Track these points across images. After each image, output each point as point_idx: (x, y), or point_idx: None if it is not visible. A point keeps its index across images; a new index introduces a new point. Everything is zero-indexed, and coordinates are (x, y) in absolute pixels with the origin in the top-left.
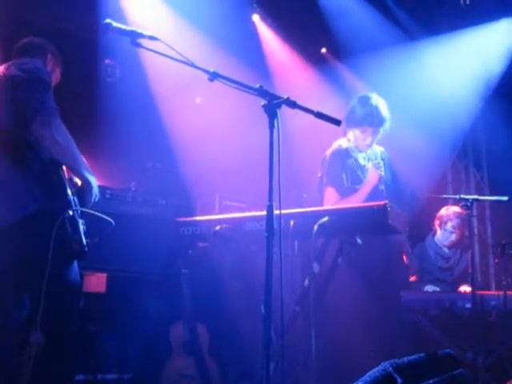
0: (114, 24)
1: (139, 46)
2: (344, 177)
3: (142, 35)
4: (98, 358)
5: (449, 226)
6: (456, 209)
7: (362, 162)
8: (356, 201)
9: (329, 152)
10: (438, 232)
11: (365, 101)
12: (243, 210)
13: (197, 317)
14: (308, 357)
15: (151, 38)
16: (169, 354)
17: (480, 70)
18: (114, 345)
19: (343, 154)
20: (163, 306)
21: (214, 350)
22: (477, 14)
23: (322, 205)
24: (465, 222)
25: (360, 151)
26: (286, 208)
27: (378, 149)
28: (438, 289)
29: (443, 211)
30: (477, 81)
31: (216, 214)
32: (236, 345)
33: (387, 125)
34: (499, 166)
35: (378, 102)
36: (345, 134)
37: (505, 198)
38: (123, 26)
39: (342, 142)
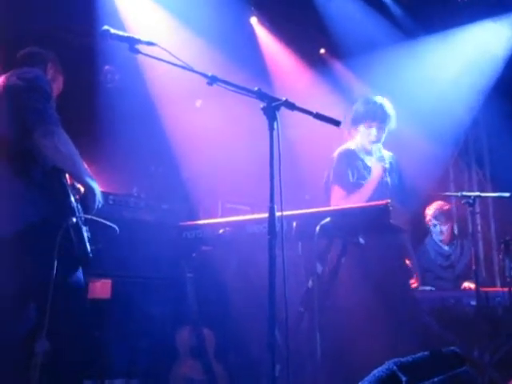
0: (112, 31)
1: (137, 52)
2: (350, 173)
3: (139, 41)
4: (105, 364)
5: (431, 219)
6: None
7: (368, 163)
8: (362, 195)
9: (336, 152)
10: (432, 229)
11: (369, 99)
12: (246, 213)
13: (202, 321)
14: (314, 357)
15: (149, 43)
16: (176, 359)
17: (479, 66)
18: (120, 350)
19: (350, 155)
20: (168, 311)
21: (220, 353)
22: (475, 10)
23: (328, 204)
24: (447, 212)
25: (367, 153)
26: (289, 209)
27: (386, 153)
28: (433, 289)
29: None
30: (476, 77)
31: (219, 217)
32: (242, 348)
33: (392, 123)
34: (501, 163)
35: (383, 101)
36: (351, 136)
37: (507, 194)
38: (121, 33)
39: (350, 144)
